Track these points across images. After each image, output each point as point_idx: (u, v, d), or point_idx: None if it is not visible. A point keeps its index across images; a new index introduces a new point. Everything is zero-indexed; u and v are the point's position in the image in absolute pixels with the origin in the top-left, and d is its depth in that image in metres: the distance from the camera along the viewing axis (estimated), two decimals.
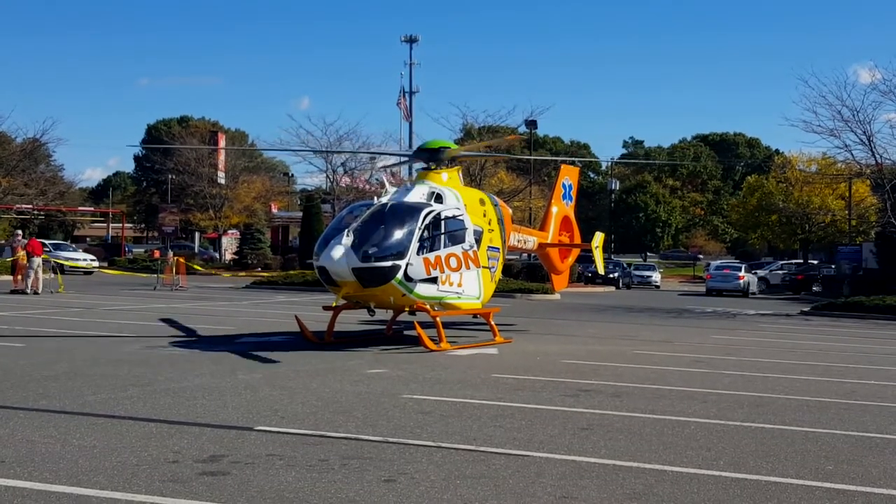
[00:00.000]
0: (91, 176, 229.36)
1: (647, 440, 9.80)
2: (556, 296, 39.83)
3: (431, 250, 18.25)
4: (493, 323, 20.33)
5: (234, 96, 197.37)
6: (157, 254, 54.66)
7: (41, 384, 12.42)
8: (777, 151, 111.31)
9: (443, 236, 18.57)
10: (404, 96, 65.81)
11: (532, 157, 61.73)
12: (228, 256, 68.85)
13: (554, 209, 27.02)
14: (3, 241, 62.10)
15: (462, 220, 19.16)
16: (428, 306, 18.57)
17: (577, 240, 28.11)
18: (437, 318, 18.68)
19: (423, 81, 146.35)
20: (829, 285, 52.15)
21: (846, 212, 61.20)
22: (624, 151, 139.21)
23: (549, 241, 26.21)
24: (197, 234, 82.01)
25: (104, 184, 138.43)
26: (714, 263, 66.22)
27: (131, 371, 13.91)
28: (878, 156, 38.27)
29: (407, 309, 19.07)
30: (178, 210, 77.73)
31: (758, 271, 64.52)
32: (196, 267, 44.15)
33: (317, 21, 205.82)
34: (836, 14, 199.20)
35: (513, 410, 11.42)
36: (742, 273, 56.34)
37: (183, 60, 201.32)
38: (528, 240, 24.87)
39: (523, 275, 50.10)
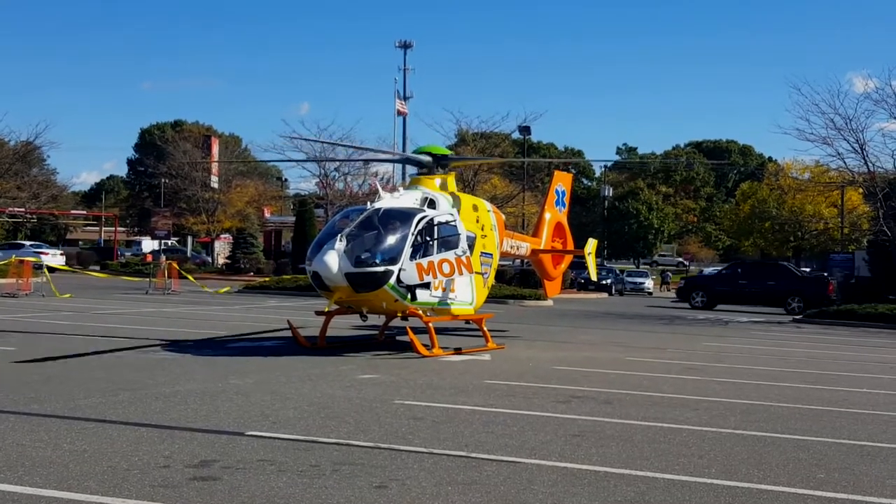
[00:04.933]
0: (87, 179, 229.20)
1: (638, 447, 9.80)
2: (549, 302, 39.85)
3: (424, 256, 18.25)
4: (485, 329, 20.32)
5: (229, 100, 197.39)
6: (149, 258, 54.62)
7: (32, 388, 12.38)
8: (770, 159, 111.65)
9: (436, 242, 18.57)
10: (400, 99, 65.70)
11: (525, 160, 61.79)
12: (221, 261, 68.76)
13: (547, 215, 27.01)
14: None
15: (455, 226, 19.16)
16: (420, 312, 18.56)
17: (570, 246, 28.10)
18: (430, 324, 18.67)
19: (417, 87, 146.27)
20: None
21: (839, 220, 61.33)
22: (617, 158, 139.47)
23: (541, 248, 26.21)
24: (189, 238, 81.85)
25: (97, 187, 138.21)
26: (707, 270, 66.31)
27: (123, 375, 13.87)
28: (870, 164, 38.40)
29: (399, 314, 19.06)
30: (171, 214, 77.60)
31: None
32: (190, 278, 43.98)
33: (314, 25, 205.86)
34: (830, 21, 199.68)
35: (504, 417, 11.41)
36: None
37: (179, 63, 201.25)
38: (520, 246, 24.86)
39: (516, 280, 50.12)
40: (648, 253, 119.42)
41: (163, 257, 45.38)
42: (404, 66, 66.48)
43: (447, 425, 10.68)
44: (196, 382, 13.42)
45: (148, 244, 72.20)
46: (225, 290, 41.28)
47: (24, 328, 21.02)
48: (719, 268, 74.26)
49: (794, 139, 66.06)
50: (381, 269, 17.49)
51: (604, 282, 58.46)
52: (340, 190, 61.28)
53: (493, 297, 30.23)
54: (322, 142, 53.21)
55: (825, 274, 52.86)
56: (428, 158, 21.02)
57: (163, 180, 78.49)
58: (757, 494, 8.00)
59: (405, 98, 65.03)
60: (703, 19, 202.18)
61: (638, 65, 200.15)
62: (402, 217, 18.27)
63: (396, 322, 20.55)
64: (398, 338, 20.77)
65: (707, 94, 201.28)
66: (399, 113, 64.04)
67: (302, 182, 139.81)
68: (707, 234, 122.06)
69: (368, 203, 19.30)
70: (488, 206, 22.22)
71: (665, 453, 9.53)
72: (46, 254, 53.84)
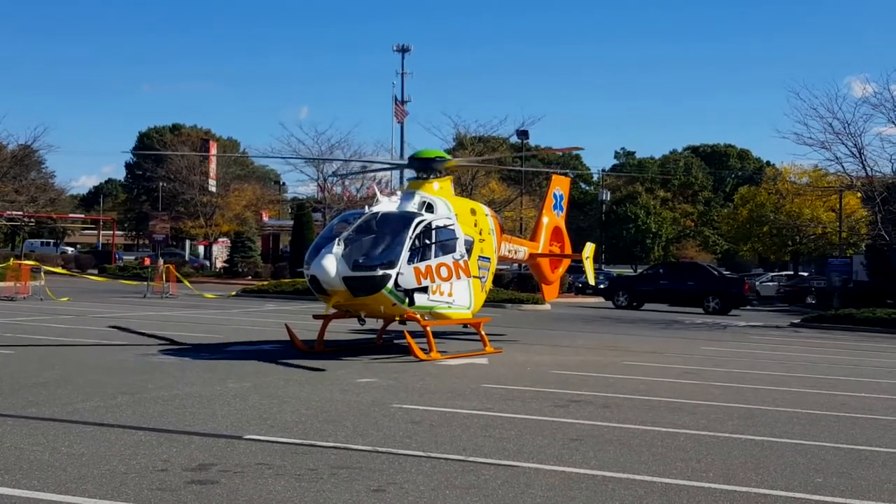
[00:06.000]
0: (85, 183, 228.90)
1: (636, 451, 9.80)
2: (547, 306, 39.82)
3: (422, 260, 18.25)
4: (483, 333, 20.32)
5: (227, 104, 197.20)
6: (147, 261, 54.54)
7: (30, 391, 12.38)
8: (768, 163, 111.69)
9: (434, 246, 18.57)
10: (398, 104, 65.75)
11: (523, 168, 61.82)
12: (219, 265, 68.70)
13: (545, 219, 27.03)
14: None
15: (453, 230, 19.16)
16: (418, 316, 18.57)
17: (568, 250, 28.11)
18: (428, 328, 18.68)
19: (415, 91, 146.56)
20: (824, 298, 52.08)
21: (837, 224, 61.31)
22: (615, 162, 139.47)
23: (539, 252, 26.21)
24: (187, 242, 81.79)
25: (95, 191, 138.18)
26: None
27: (121, 379, 13.87)
28: (868, 168, 38.42)
29: (397, 318, 19.05)
30: (169, 217, 77.59)
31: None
32: (186, 282, 43.75)
33: (312, 29, 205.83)
34: (829, 26, 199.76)
35: (502, 421, 11.42)
36: None
37: (178, 66, 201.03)
38: (518, 250, 24.88)
39: (514, 285, 50.08)
40: (646, 257, 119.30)
41: (160, 261, 45.32)
42: (402, 69, 66.58)
43: (445, 429, 10.68)
44: (194, 386, 13.42)
45: (202, 248, 71.97)
46: (210, 295, 40.94)
47: (22, 332, 21.01)
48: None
49: (792, 143, 66.04)
50: (379, 273, 17.50)
51: (602, 286, 58.50)
52: (338, 194, 61.30)
53: (490, 301, 30.24)
54: (321, 158, 53.31)
55: (742, 275, 57.48)
56: (426, 162, 21.02)
57: (161, 184, 78.48)
58: (755, 498, 8.01)
59: (403, 101, 65.08)
60: (701, 24, 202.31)
61: (636, 69, 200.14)
62: (399, 221, 18.28)
63: (394, 326, 20.54)
64: (396, 342, 20.78)
65: (705, 99, 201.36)
66: (398, 117, 64.06)
67: (300, 186, 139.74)
68: (705, 238, 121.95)
69: (366, 207, 19.31)
70: (486, 210, 22.23)
71: (663, 457, 9.54)
72: None
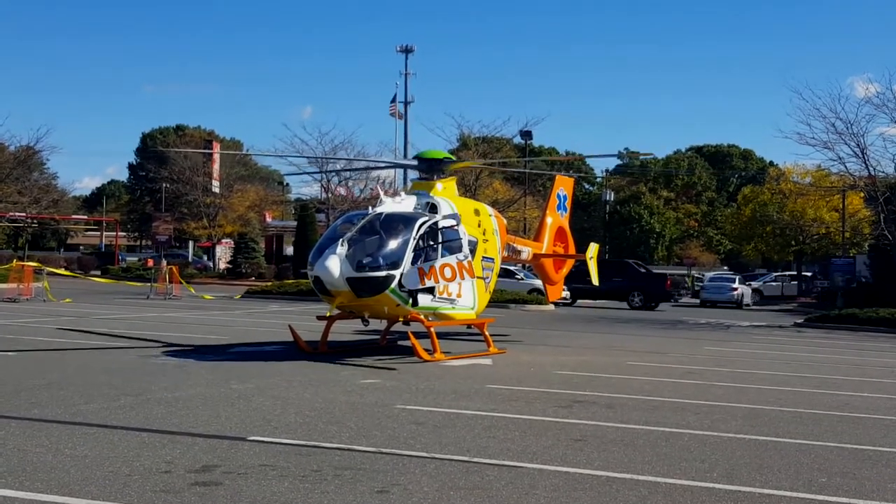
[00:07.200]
0: (89, 184, 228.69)
1: (640, 452, 9.79)
2: (551, 306, 39.86)
3: (426, 260, 18.24)
4: (487, 333, 20.32)
5: (231, 105, 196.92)
6: (150, 262, 54.60)
7: (33, 393, 12.38)
8: (771, 163, 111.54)
9: (438, 246, 18.56)
10: (397, 103, 65.68)
11: (527, 169, 61.75)
12: (222, 266, 68.75)
13: (548, 220, 27.01)
14: None
15: (457, 231, 19.15)
16: (422, 316, 18.56)
17: (572, 250, 28.09)
18: (432, 329, 18.67)
19: (418, 91, 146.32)
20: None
21: (840, 224, 61.28)
22: (619, 163, 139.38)
23: (543, 252, 26.21)
24: (191, 243, 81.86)
25: (98, 192, 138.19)
26: (708, 275, 66.21)
27: (124, 380, 13.87)
28: (871, 168, 38.45)
29: (401, 319, 19.06)
30: (172, 219, 77.69)
31: (752, 283, 64.54)
32: (186, 284, 43.51)
33: (314, 30, 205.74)
34: (831, 26, 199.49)
35: (506, 421, 11.41)
36: (736, 285, 56.34)
37: (182, 67, 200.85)
38: (522, 250, 24.86)
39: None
40: (650, 258, 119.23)
41: (164, 262, 45.34)
42: (405, 70, 66.47)
43: (449, 430, 10.67)
44: (198, 387, 13.42)
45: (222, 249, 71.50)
46: (208, 296, 40.80)
47: (25, 333, 21.02)
48: (721, 273, 74.32)
49: (795, 143, 65.88)
50: (383, 273, 17.49)
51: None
52: (342, 195, 61.31)
53: (494, 302, 30.25)
54: (324, 158, 53.31)
55: (666, 273, 60.82)
56: (429, 163, 21.02)
57: (164, 185, 78.60)
58: (759, 499, 7.99)
59: (406, 102, 65.02)
60: (703, 25, 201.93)
61: (639, 70, 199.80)
62: (403, 222, 18.27)
63: (398, 327, 20.54)
64: (400, 342, 20.77)
65: (708, 99, 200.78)
66: (398, 116, 63.99)
67: (304, 187, 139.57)
68: (709, 238, 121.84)
69: (370, 208, 19.31)
70: (490, 210, 22.22)
71: (667, 457, 9.53)
72: None
